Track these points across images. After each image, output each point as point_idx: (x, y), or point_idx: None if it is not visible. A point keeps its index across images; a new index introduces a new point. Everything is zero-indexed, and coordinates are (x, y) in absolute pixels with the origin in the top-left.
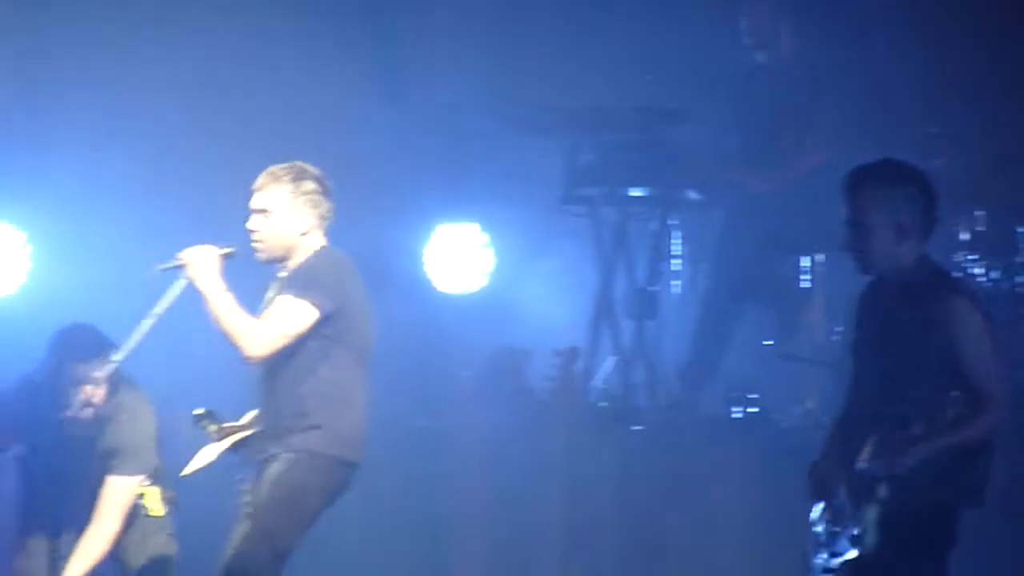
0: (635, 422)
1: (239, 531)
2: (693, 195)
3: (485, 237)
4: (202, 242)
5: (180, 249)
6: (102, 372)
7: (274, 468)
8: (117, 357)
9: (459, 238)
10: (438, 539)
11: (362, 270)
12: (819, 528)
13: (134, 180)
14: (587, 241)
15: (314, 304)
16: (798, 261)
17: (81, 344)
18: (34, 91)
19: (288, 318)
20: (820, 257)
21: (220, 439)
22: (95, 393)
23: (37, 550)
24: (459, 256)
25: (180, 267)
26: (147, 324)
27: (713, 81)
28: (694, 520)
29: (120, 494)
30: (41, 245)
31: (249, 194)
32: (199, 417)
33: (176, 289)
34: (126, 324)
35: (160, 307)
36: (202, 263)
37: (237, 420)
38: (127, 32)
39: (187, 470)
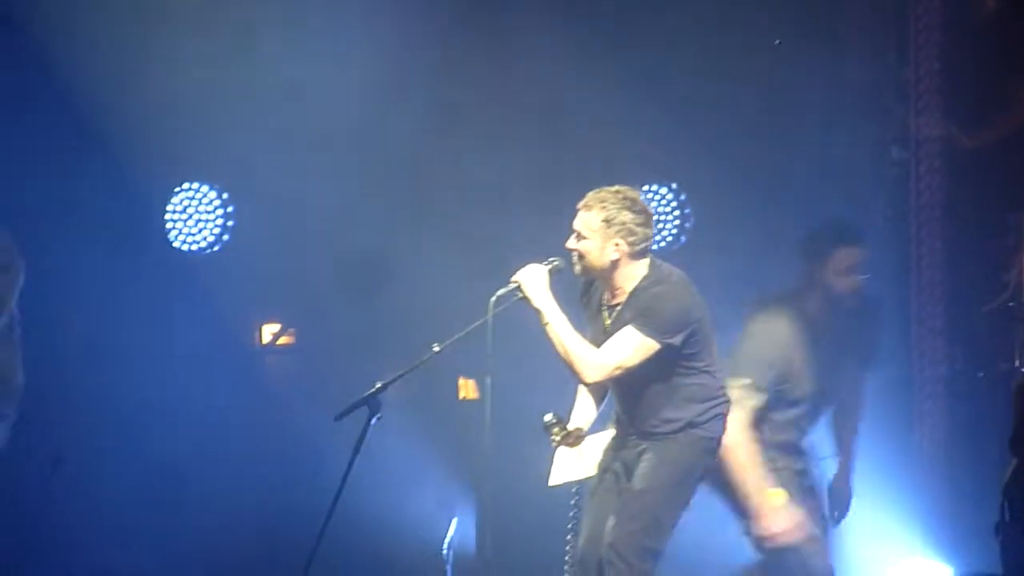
0: None
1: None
2: None
3: None
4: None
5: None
6: None
7: (653, 454)
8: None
9: None
10: None
11: None
12: None
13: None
14: None
15: (659, 342)
16: None
17: None
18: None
19: (630, 353)
20: None
21: (570, 444)
22: None
23: None
24: None
25: (516, 290)
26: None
27: None
28: None
29: None
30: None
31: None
32: (550, 424)
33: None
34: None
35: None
36: (535, 282)
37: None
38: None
39: (555, 480)
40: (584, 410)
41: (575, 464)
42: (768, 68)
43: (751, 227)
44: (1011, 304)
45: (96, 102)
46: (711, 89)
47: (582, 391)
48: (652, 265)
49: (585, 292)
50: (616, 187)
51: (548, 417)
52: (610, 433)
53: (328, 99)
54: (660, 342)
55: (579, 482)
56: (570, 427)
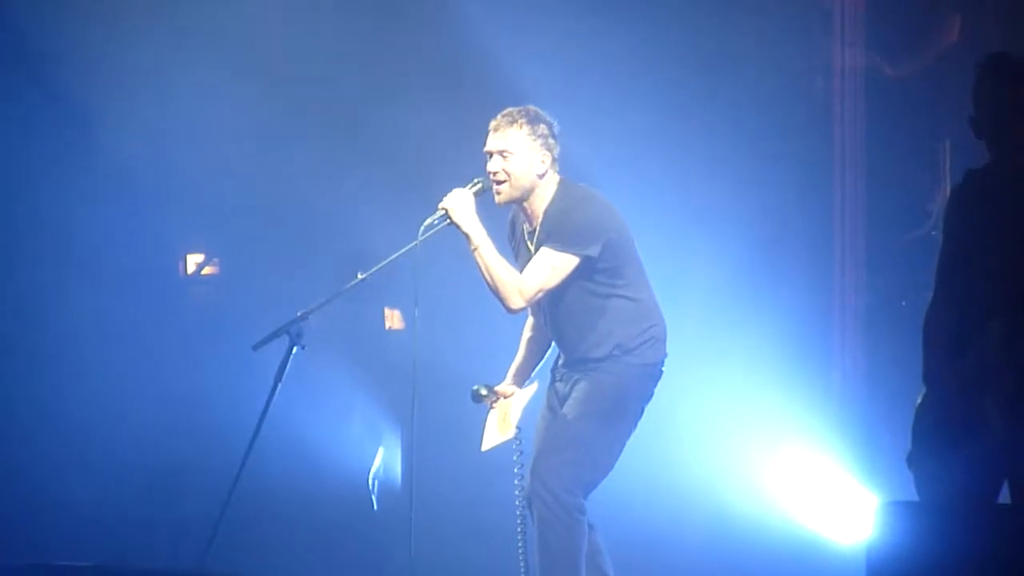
0: None
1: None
2: None
3: None
4: None
5: None
6: None
7: (583, 384)
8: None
9: None
10: None
11: None
12: None
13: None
14: None
15: (576, 255)
16: None
17: None
18: None
19: (548, 273)
20: None
21: (494, 403)
22: None
23: None
24: None
25: (445, 216)
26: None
27: None
28: None
29: None
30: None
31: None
32: (479, 394)
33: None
34: None
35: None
36: (462, 207)
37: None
38: None
39: (487, 445)
40: (523, 364)
41: (504, 425)
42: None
43: (677, 155)
44: (934, 233)
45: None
46: (635, 23)
47: (523, 343)
48: (561, 184)
49: (511, 231)
50: (521, 106)
51: (476, 388)
52: (533, 389)
53: (254, 28)
54: (577, 255)
55: (512, 441)
56: (500, 388)
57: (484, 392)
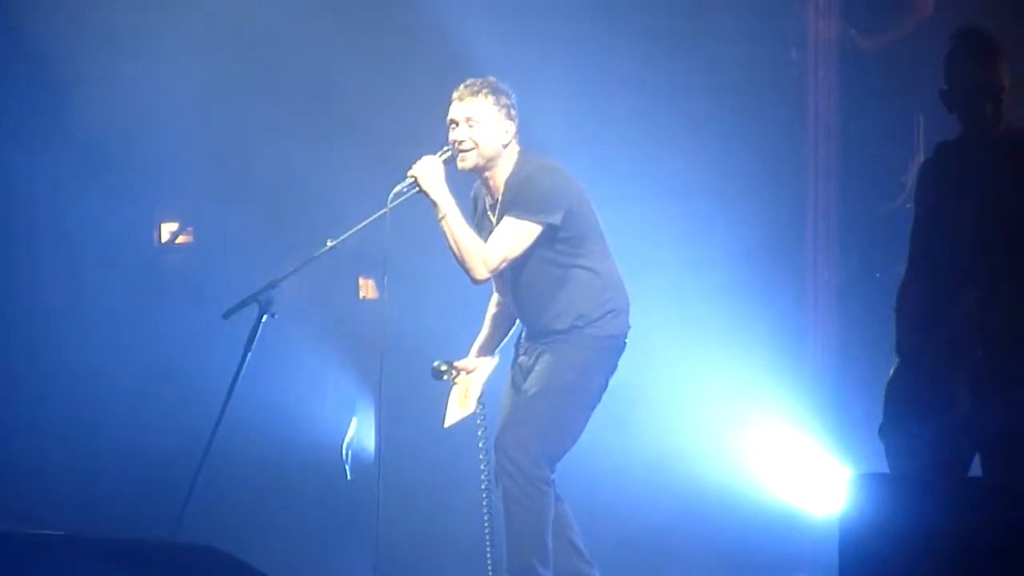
0: None
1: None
2: None
3: None
4: None
5: None
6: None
7: (547, 357)
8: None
9: None
10: None
11: None
12: None
13: None
14: None
15: (538, 222)
16: None
17: None
18: None
19: (512, 242)
20: None
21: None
22: None
23: None
24: None
25: (414, 184)
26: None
27: None
28: None
29: None
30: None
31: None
32: (440, 370)
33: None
34: None
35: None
36: (431, 174)
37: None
38: None
39: (450, 421)
40: (487, 340)
41: (466, 399)
42: None
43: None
44: (908, 206)
45: None
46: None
47: (487, 319)
48: (521, 155)
49: (472, 206)
50: (482, 77)
51: (436, 364)
52: (494, 363)
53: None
54: (539, 223)
55: (476, 414)
56: (460, 364)
57: (444, 368)
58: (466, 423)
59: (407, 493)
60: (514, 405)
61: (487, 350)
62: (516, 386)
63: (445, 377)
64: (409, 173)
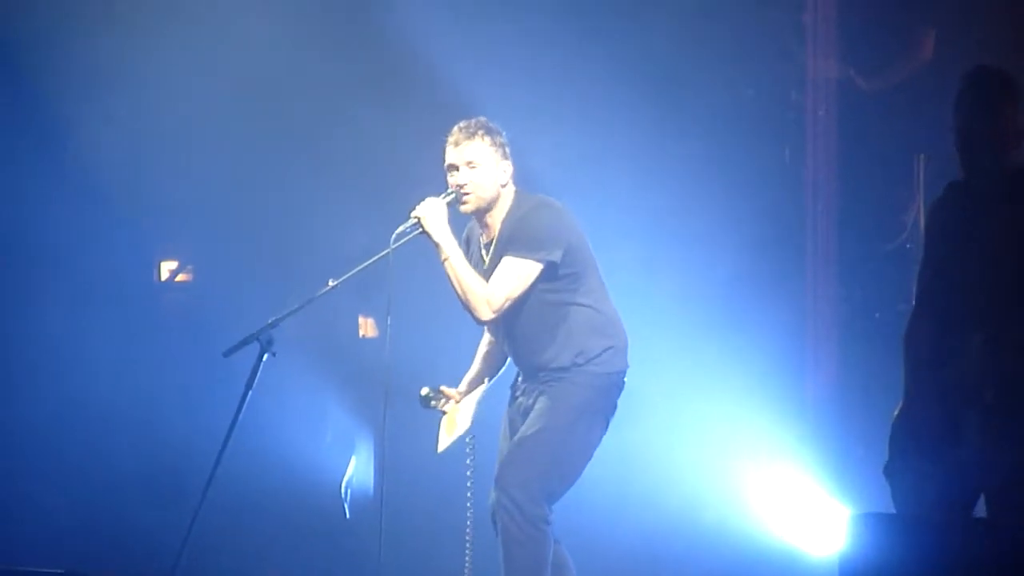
0: None
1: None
2: None
3: None
4: None
5: None
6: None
7: (547, 396)
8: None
9: None
10: None
11: None
12: None
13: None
14: None
15: (539, 261)
16: None
17: None
18: None
19: (514, 282)
20: None
21: (444, 405)
22: None
23: None
24: None
25: (417, 225)
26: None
27: None
28: None
29: None
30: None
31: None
32: (427, 397)
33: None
34: None
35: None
36: (434, 216)
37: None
38: None
39: (442, 446)
40: (476, 377)
41: (455, 424)
42: (671, 9)
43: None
44: (908, 245)
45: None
46: (614, 32)
47: (478, 356)
48: (516, 194)
49: (465, 246)
50: (474, 118)
51: (424, 391)
52: (484, 387)
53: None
54: (540, 261)
55: (464, 436)
56: (446, 389)
57: (431, 395)
58: (462, 452)
59: (408, 529)
60: (514, 444)
61: (474, 386)
62: (515, 428)
63: (432, 403)
64: (412, 214)
